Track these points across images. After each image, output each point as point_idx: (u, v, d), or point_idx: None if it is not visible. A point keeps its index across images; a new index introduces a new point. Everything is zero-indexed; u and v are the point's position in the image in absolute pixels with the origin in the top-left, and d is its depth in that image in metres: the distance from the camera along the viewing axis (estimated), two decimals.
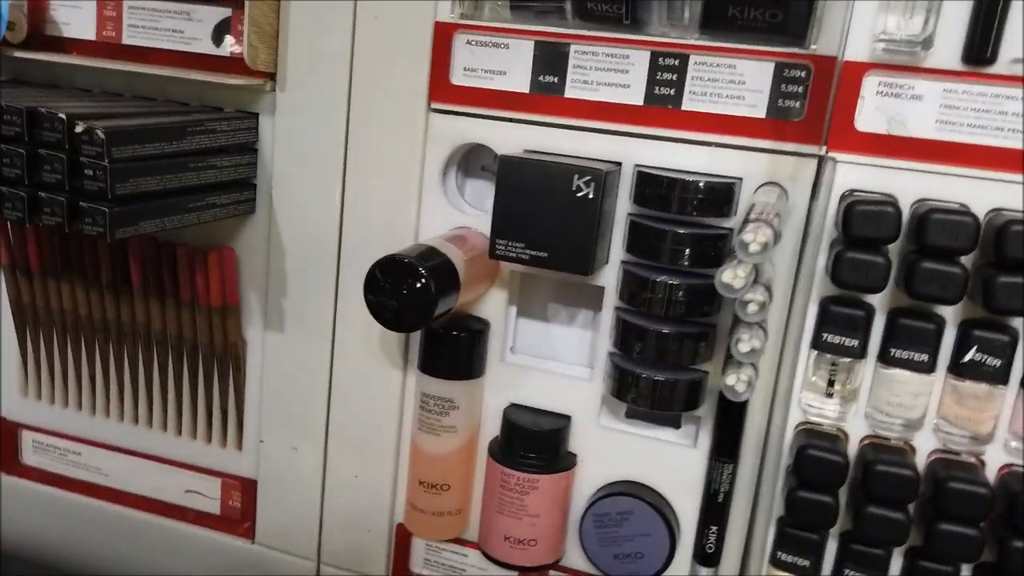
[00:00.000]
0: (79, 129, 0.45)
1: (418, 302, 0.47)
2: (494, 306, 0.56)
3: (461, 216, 0.56)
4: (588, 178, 0.47)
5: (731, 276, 0.40)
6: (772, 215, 0.41)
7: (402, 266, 0.47)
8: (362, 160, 0.56)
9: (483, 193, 0.58)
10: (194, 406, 0.65)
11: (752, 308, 0.41)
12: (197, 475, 0.66)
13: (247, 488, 0.65)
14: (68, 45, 0.61)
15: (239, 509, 0.65)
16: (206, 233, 0.60)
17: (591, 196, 0.47)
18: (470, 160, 0.57)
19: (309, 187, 0.58)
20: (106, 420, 0.68)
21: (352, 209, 0.57)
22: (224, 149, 0.55)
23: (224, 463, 0.65)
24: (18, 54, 0.60)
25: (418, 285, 0.46)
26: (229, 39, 0.57)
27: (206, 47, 0.58)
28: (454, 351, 0.55)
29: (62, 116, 0.46)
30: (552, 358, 0.58)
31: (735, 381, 0.43)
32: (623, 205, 0.51)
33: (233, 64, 0.57)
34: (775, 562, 0.51)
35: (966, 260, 0.45)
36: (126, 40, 0.59)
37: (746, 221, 0.43)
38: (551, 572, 0.59)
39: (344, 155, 0.56)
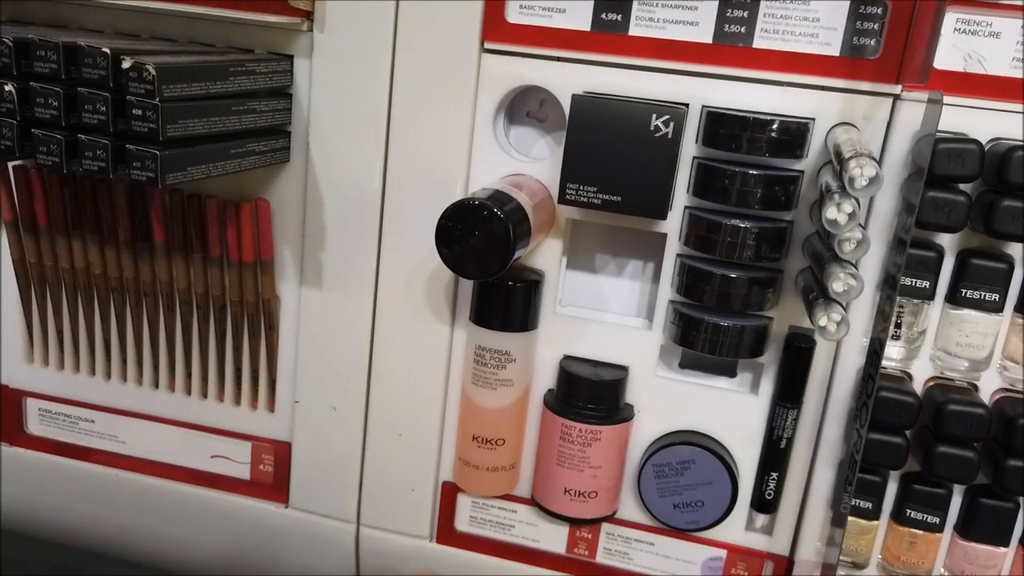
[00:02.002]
0: (126, 65, 0.42)
1: (495, 247, 0.45)
2: (546, 257, 0.55)
3: (514, 163, 0.54)
4: (667, 117, 0.46)
5: (835, 212, 0.39)
6: (870, 151, 0.40)
7: (476, 210, 0.45)
8: (408, 105, 0.53)
9: (528, 141, 0.56)
10: (221, 368, 0.62)
11: (848, 247, 0.40)
12: (224, 439, 0.63)
13: (280, 451, 0.62)
14: None
15: (271, 473, 0.63)
16: (236, 184, 0.57)
17: (670, 136, 0.46)
18: (514, 105, 0.55)
19: (349, 134, 0.55)
20: (122, 385, 0.65)
21: (397, 157, 0.55)
22: (261, 93, 0.52)
23: (254, 426, 0.63)
24: None
25: (495, 229, 0.44)
26: None
27: None
28: (511, 303, 0.53)
29: (106, 51, 0.42)
30: (603, 308, 0.57)
31: (826, 322, 0.42)
32: (688, 148, 0.50)
33: (264, 2, 0.53)
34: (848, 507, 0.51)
35: None
36: None
37: (838, 155, 0.42)
38: (604, 525, 0.58)
39: (389, 100, 0.54)
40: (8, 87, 0.43)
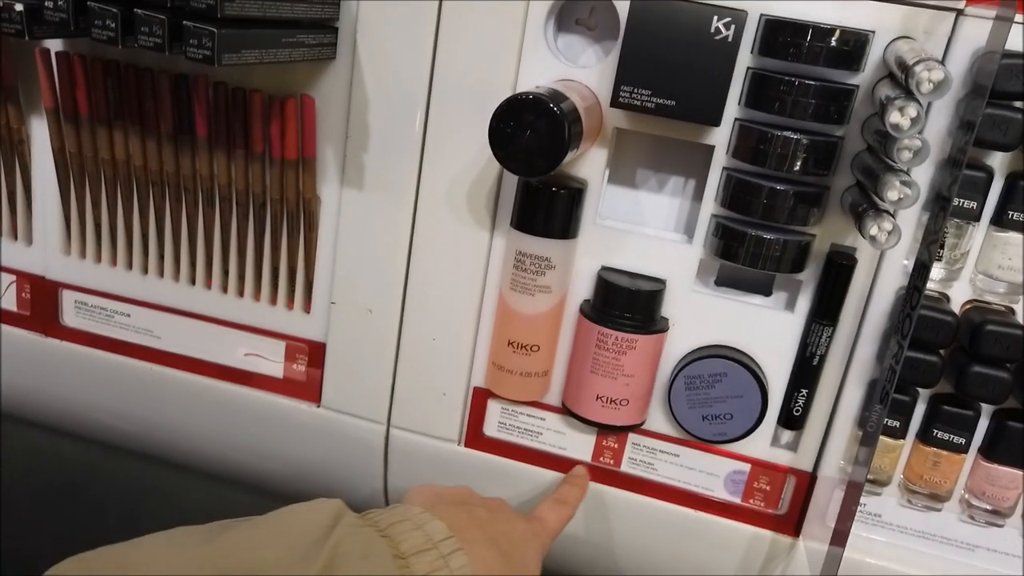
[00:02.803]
0: None
1: (550, 144, 0.45)
2: (590, 167, 0.55)
3: (563, 69, 0.53)
4: (728, 19, 0.45)
5: (898, 116, 0.39)
6: (934, 55, 0.40)
7: (534, 104, 0.44)
8: (459, 6, 0.53)
9: (577, 49, 0.55)
10: (258, 266, 0.62)
11: (906, 155, 0.40)
12: (259, 337, 0.64)
13: (314, 351, 0.63)
14: None
15: (304, 372, 0.64)
16: (280, 80, 0.57)
17: (730, 39, 0.45)
18: (563, 12, 0.54)
19: (397, 32, 0.54)
20: (159, 280, 0.65)
21: (445, 57, 0.54)
22: None
23: (289, 326, 0.64)
24: None
25: (552, 126, 0.44)
26: None
27: None
28: (553, 208, 0.53)
29: None
30: (641, 223, 0.57)
31: (877, 231, 0.42)
32: (743, 58, 0.49)
33: None
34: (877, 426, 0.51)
35: None
36: None
37: (902, 62, 0.41)
38: (630, 435, 0.59)
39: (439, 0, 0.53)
40: None
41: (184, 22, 0.43)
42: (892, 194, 0.41)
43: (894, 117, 0.39)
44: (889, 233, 0.42)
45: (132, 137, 0.60)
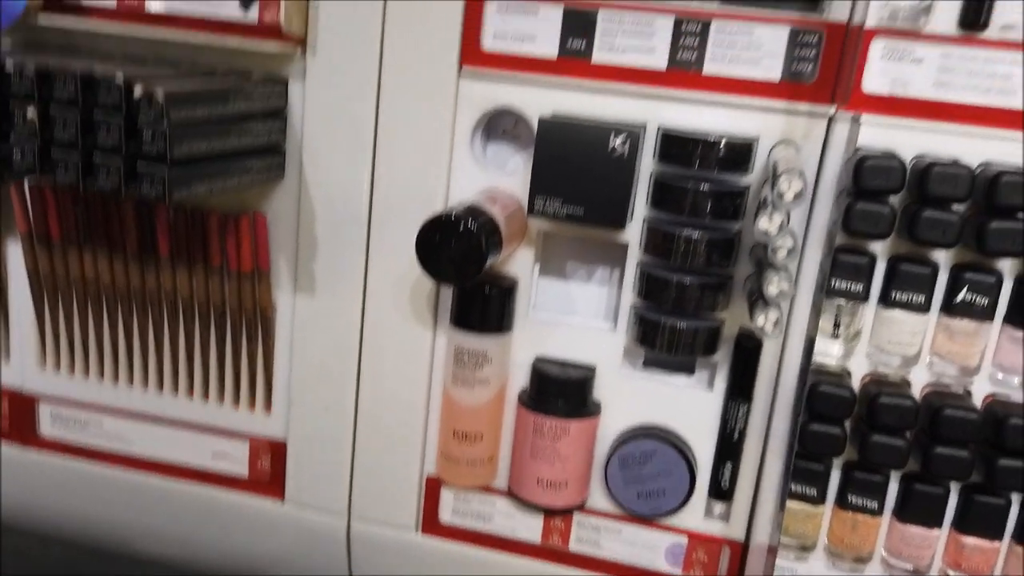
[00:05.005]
0: (138, 92, 0.47)
1: (470, 256, 0.50)
2: (519, 264, 0.60)
3: (489, 178, 0.59)
4: (624, 137, 0.51)
5: (767, 223, 0.44)
6: (799, 167, 0.45)
7: (452, 223, 0.50)
8: (393, 124, 0.59)
9: (505, 155, 0.61)
10: (221, 371, 0.67)
11: (782, 253, 0.45)
12: (225, 439, 0.68)
13: (276, 450, 0.67)
14: (88, 10, 0.61)
15: (268, 471, 0.68)
16: (234, 200, 0.62)
17: (626, 155, 0.51)
18: (491, 124, 0.60)
19: (339, 152, 0.60)
20: (129, 388, 0.69)
21: (383, 173, 0.60)
22: (257, 114, 0.57)
23: (252, 426, 0.67)
24: (42, 21, 0.60)
25: (469, 240, 0.49)
26: (257, 4, 0.58)
27: (232, 12, 0.59)
28: (488, 306, 0.58)
29: (119, 79, 0.47)
30: (572, 313, 0.61)
31: (763, 322, 0.47)
32: (646, 163, 0.55)
33: (260, 29, 0.58)
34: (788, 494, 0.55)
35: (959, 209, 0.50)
36: (149, 7, 0.60)
37: (774, 171, 0.47)
38: (575, 515, 0.63)
39: (375, 119, 0.59)
40: (31, 113, 0.48)
41: (138, 165, 0.48)
42: (772, 289, 0.46)
43: (763, 223, 0.44)
44: (775, 324, 0.47)
45: (100, 257, 0.65)
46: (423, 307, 0.61)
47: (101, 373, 0.69)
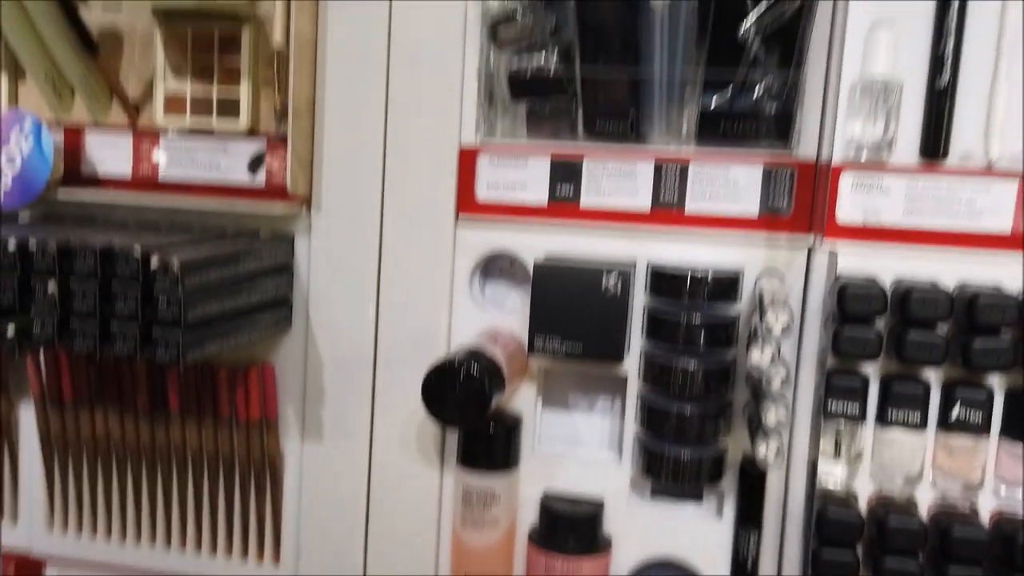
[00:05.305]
0: (155, 263, 0.49)
1: (474, 400, 0.51)
2: (522, 400, 0.61)
3: (488, 317, 0.61)
4: (615, 277, 0.53)
5: (758, 356, 0.46)
6: (785, 298, 0.48)
7: (455, 369, 0.51)
8: (395, 273, 0.61)
9: (503, 293, 0.63)
10: (229, 522, 0.66)
11: (776, 383, 0.47)
12: None
13: None
14: (104, 183, 0.65)
15: None
16: (243, 352, 0.64)
17: (619, 292, 0.53)
18: (488, 264, 0.63)
19: (344, 302, 0.62)
20: (137, 546, 0.69)
21: (386, 320, 0.62)
22: (266, 271, 0.60)
23: None
24: (61, 196, 0.63)
25: (473, 385, 0.51)
26: (264, 169, 0.62)
27: (241, 177, 0.63)
28: (493, 444, 0.59)
29: (137, 251, 0.50)
30: (577, 444, 0.62)
31: (765, 451, 0.48)
32: (639, 298, 0.57)
33: (268, 191, 0.62)
34: None
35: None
36: (163, 176, 0.64)
37: (760, 304, 0.49)
38: None
39: (378, 268, 0.62)
40: (52, 287, 0.51)
41: (152, 330, 0.50)
42: (770, 419, 0.47)
43: (755, 357, 0.46)
44: (776, 453, 0.48)
45: (111, 415, 0.66)
46: (430, 448, 0.62)
47: (109, 531, 0.69)
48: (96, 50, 0.61)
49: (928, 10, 0.51)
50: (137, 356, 0.50)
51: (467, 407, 0.52)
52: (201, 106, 0.62)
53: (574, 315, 0.55)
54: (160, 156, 0.64)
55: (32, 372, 0.67)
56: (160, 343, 0.50)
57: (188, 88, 0.62)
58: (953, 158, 0.53)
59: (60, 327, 0.52)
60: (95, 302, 0.51)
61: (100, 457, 0.68)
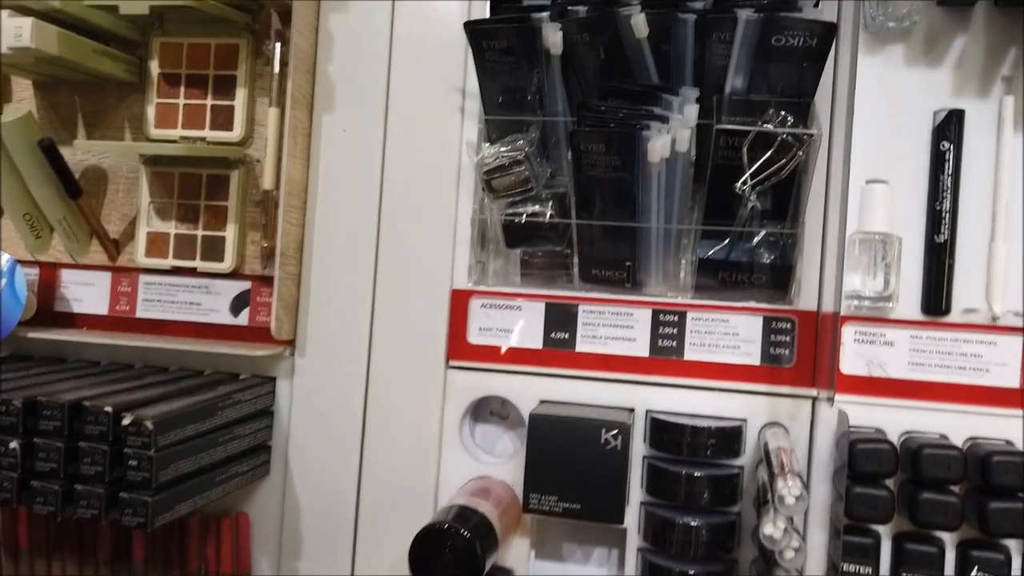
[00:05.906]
0: (126, 421, 0.46)
1: (466, 564, 0.48)
2: (514, 553, 0.57)
3: (479, 465, 0.58)
4: (615, 431, 0.51)
5: (771, 528, 0.43)
6: (794, 461, 0.45)
7: (444, 533, 0.48)
8: (381, 418, 0.58)
9: (493, 437, 0.60)
10: None
11: (789, 555, 0.44)
12: None
13: None
14: (79, 320, 0.63)
15: None
16: (217, 501, 0.60)
17: (619, 448, 0.51)
18: (478, 406, 0.60)
19: (327, 447, 0.59)
20: None
21: (371, 467, 0.59)
22: (245, 418, 0.57)
23: None
24: (31, 334, 0.60)
25: (464, 548, 0.47)
26: (247, 310, 0.60)
27: (223, 318, 0.60)
28: None
29: (108, 409, 0.47)
30: None
31: None
32: (638, 447, 0.55)
33: (249, 332, 0.60)
34: None
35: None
36: (140, 314, 0.62)
37: (768, 464, 0.47)
38: None
39: (363, 414, 0.59)
40: (13, 445, 0.47)
41: (120, 493, 0.47)
42: None
43: (767, 529, 0.43)
44: None
45: (70, 566, 0.62)
46: None
47: None
48: (79, 193, 0.59)
49: (923, 165, 0.51)
50: (102, 519, 0.47)
51: (458, 572, 0.48)
52: (184, 246, 0.60)
53: (572, 471, 0.52)
54: (139, 294, 0.61)
55: None
56: (127, 507, 0.46)
57: (172, 228, 0.60)
58: (955, 313, 0.51)
59: (20, 487, 0.48)
60: (60, 462, 0.47)
61: None
